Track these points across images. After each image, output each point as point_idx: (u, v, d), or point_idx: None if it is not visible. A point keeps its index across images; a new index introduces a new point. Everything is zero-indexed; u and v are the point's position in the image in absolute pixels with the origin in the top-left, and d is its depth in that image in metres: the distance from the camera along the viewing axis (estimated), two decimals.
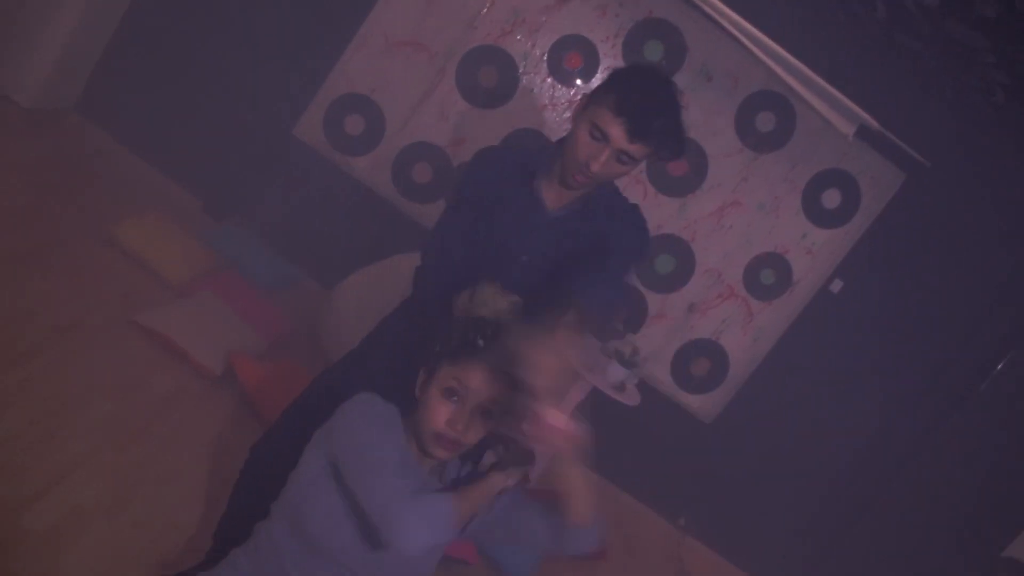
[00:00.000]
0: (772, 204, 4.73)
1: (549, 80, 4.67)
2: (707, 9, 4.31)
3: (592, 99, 2.14)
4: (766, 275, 4.81)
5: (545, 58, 4.64)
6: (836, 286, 4.77)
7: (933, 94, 4.39)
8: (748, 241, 4.78)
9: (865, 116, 4.37)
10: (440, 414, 1.81)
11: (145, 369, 3.33)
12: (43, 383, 2.91)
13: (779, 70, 4.37)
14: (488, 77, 4.71)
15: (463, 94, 4.74)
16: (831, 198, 4.72)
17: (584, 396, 4.19)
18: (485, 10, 4.61)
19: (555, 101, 4.70)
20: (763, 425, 4.89)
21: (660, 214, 4.76)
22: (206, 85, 4.73)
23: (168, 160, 4.84)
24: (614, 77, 2.18)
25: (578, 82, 4.67)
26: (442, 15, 4.63)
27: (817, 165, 4.69)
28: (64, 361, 3.08)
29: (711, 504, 4.99)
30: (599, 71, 4.65)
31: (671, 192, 4.75)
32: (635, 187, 4.73)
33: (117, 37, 4.75)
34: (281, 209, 4.80)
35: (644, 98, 2.07)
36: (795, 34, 4.37)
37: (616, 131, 2.06)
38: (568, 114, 4.66)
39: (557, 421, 1.72)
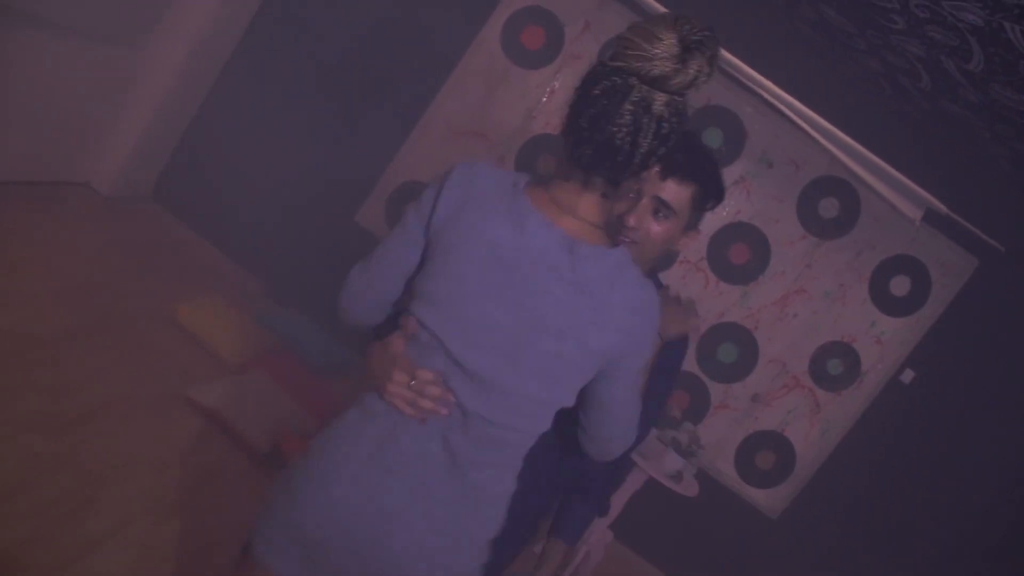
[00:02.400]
0: (838, 292, 4.60)
1: None
2: (765, 95, 4.29)
3: None
4: (833, 365, 4.64)
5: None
6: (907, 376, 4.57)
7: (987, 164, 4.27)
8: (814, 330, 4.64)
9: (932, 200, 4.24)
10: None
11: (192, 444, 3.35)
12: (90, 451, 2.94)
13: (841, 155, 4.29)
14: (547, 165, 4.76)
15: None
16: (900, 285, 4.57)
17: (639, 486, 4.07)
18: (544, 99, 4.68)
19: None
20: (832, 521, 4.65)
21: (722, 302, 4.67)
22: (273, 173, 4.90)
23: (234, 245, 4.99)
24: None
25: None
26: (503, 106, 4.72)
27: (884, 251, 4.57)
28: (113, 432, 3.12)
29: None
30: None
31: (733, 280, 4.67)
32: (696, 275, 4.67)
33: (191, 129, 4.97)
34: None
35: None
36: (852, 115, 4.30)
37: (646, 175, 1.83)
38: None
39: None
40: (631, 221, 1.86)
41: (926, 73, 3.53)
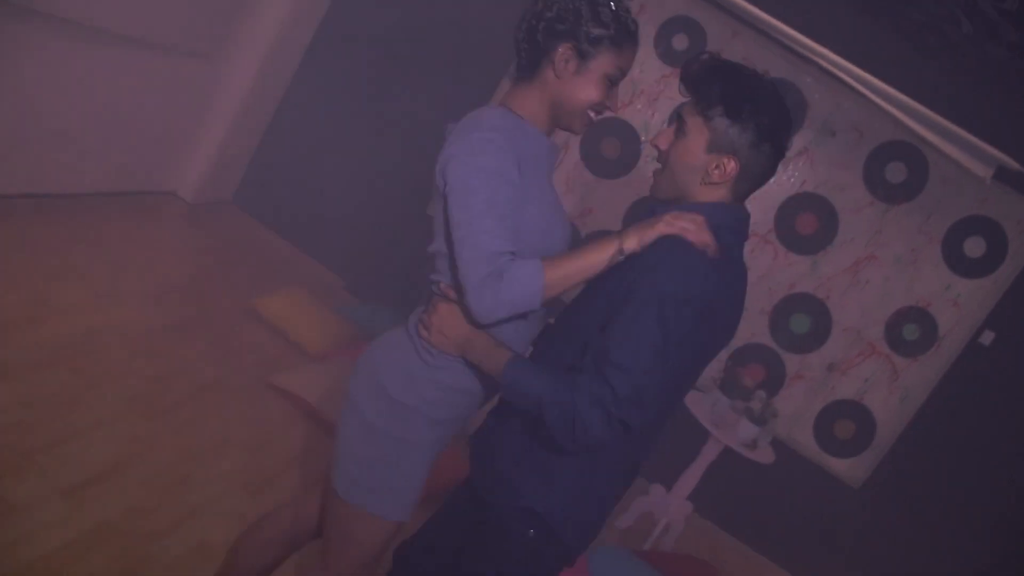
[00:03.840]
0: (910, 256, 4.56)
1: None
2: (823, 63, 4.28)
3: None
4: (909, 330, 4.60)
5: (665, 125, 4.72)
6: (987, 338, 4.50)
7: None
8: (887, 296, 4.61)
9: (1002, 156, 4.18)
10: (601, 95, 1.87)
11: (278, 427, 3.54)
12: (183, 434, 3.15)
13: (904, 117, 4.26)
14: (611, 148, 4.84)
15: (588, 166, 4.88)
16: (974, 246, 4.51)
17: (715, 457, 4.11)
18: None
19: None
20: (915, 489, 4.60)
21: (792, 273, 4.68)
22: (345, 171, 5.10)
23: (313, 243, 5.21)
24: None
25: None
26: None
27: (956, 213, 4.51)
28: (204, 415, 3.33)
29: (861, 574, 4.70)
30: None
31: (802, 250, 4.67)
32: (765, 247, 4.69)
33: (267, 135, 5.21)
34: (416, 287, 5.02)
35: None
36: (908, 75, 4.26)
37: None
38: None
39: None
40: (657, 140, 1.86)
41: (965, 17, 3.50)
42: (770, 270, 4.70)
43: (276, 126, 5.22)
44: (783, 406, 4.65)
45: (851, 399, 4.69)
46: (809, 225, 4.65)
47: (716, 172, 1.77)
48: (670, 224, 1.69)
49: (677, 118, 1.83)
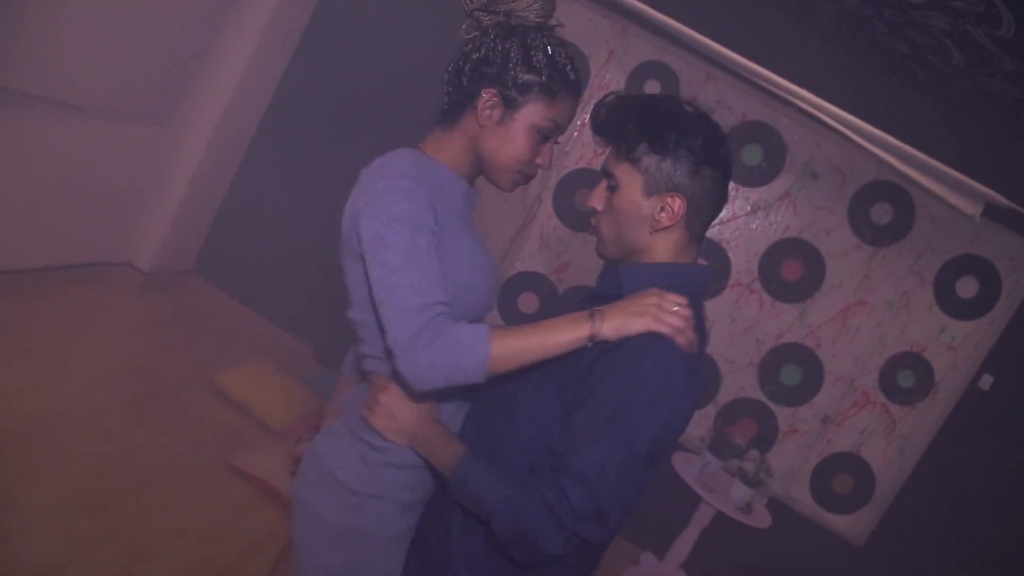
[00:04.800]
0: (901, 300, 4.38)
1: None
2: (801, 104, 4.14)
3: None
4: (905, 377, 4.40)
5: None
6: (986, 382, 4.30)
7: None
8: (880, 342, 4.42)
9: (990, 193, 4.02)
10: (529, 150, 1.68)
11: (237, 512, 3.28)
12: (132, 528, 2.88)
13: (888, 156, 4.10)
14: (584, 200, 4.67)
15: (562, 219, 4.70)
16: (967, 287, 4.33)
17: (708, 522, 3.87)
18: (576, 134, 4.60)
19: None
20: (920, 543, 4.36)
21: (780, 323, 4.49)
22: (313, 233, 4.88)
23: (280, 310, 4.98)
24: None
25: None
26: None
27: (946, 253, 4.34)
28: (156, 505, 3.07)
29: None
30: None
31: (788, 298, 4.48)
32: (750, 297, 4.50)
33: (227, 200, 5.01)
34: None
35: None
36: (891, 113, 4.13)
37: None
38: None
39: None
40: (591, 202, 1.67)
41: (955, 48, 3.35)
42: (756, 321, 4.51)
43: (236, 190, 5.02)
44: (777, 462, 4.43)
45: (848, 452, 4.47)
46: (795, 272, 4.47)
47: (664, 216, 1.58)
48: (658, 319, 1.47)
49: (604, 173, 1.64)
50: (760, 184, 4.48)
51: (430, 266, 1.51)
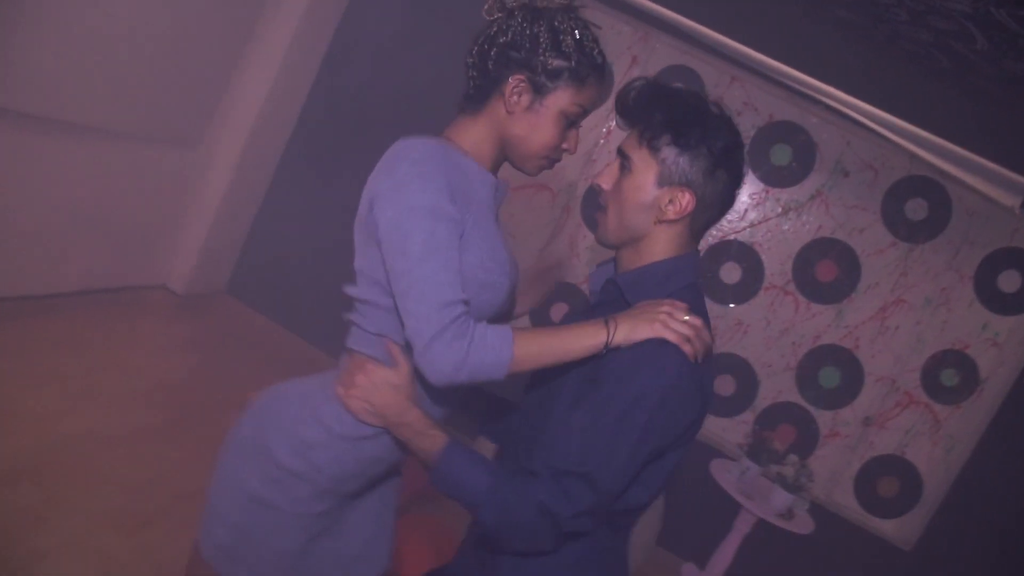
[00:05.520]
0: (940, 297, 4.28)
1: None
2: (828, 101, 4.08)
3: None
4: (948, 375, 4.29)
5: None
6: None
7: None
8: (920, 341, 4.32)
9: None
10: (556, 136, 1.66)
11: None
12: (165, 549, 2.88)
13: (920, 151, 4.04)
14: None
15: (591, 228, 4.66)
16: (1009, 280, 4.22)
17: (749, 530, 3.80)
18: (602, 141, 4.57)
19: None
20: (971, 546, 4.23)
21: (816, 324, 4.40)
22: (344, 251, 4.88)
23: (313, 327, 4.99)
24: None
25: None
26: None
27: (985, 247, 4.24)
28: (188, 526, 3.06)
29: None
30: None
31: (824, 299, 4.40)
32: (784, 300, 4.42)
33: (258, 220, 5.04)
34: None
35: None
36: (920, 106, 4.05)
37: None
38: None
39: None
40: (600, 179, 1.67)
41: (978, 31, 3.27)
42: (792, 323, 4.43)
43: (266, 209, 5.05)
44: (819, 467, 4.34)
45: (892, 454, 4.36)
46: (829, 272, 4.39)
47: (671, 208, 1.57)
48: (666, 326, 1.46)
49: (620, 154, 1.62)
50: (790, 184, 4.41)
51: (452, 259, 1.49)
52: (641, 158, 1.58)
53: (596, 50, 1.63)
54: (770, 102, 4.41)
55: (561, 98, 1.61)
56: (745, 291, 4.48)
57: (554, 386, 1.62)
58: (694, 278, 1.64)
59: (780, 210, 4.43)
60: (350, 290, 1.67)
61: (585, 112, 1.66)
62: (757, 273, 4.46)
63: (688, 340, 1.47)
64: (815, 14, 4.18)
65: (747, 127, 4.43)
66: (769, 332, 4.47)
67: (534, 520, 1.41)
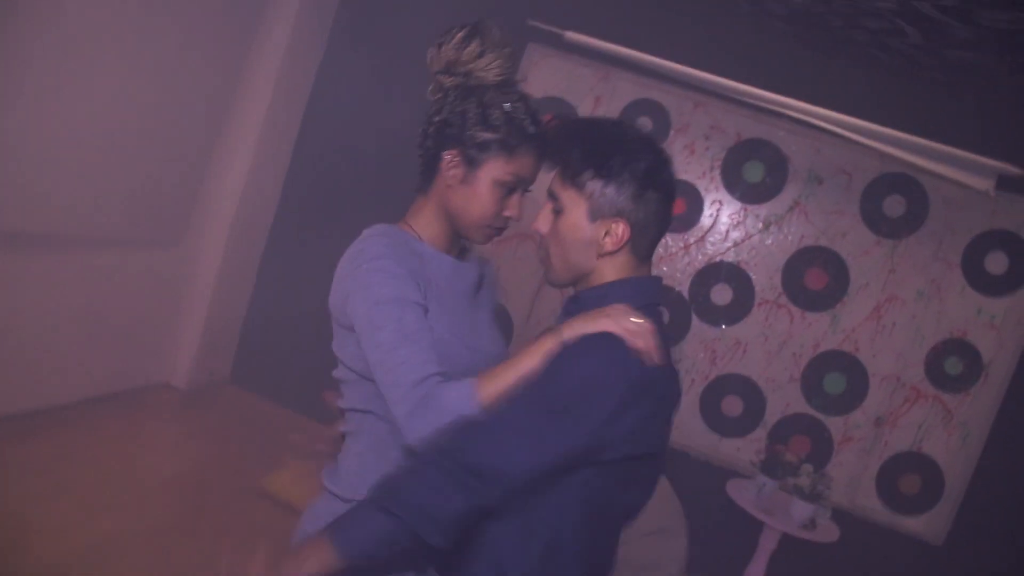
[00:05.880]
0: (931, 288, 4.31)
1: None
2: (792, 114, 4.14)
3: None
4: (951, 364, 4.30)
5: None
6: None
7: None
8: (918, 334, 4.33)
9: (999, 164, 3.97)
10: (494, 205, 1.72)
11: None
12: None
13: (888, 148, 4.08)
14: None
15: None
16: (996, 262, 4.26)
17: (775, 546, 3.78)
18: None
19: (669, 251, 4.57)
20: (1005, 530, 4.20)
21: (813, 333, 4.43)
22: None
23: (317, 406, 4.99)
24: None
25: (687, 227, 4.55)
26: (535, 205, 4.68)
27: (967, 233, 4.28)
28: None
29: None
30: (705, 207, 4.52)
31: (817, 307, 4.43)
32: (778, 313, 4.45)
33: (253, 305, 5.10)
34: None
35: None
36: (877, 104, 4.13)
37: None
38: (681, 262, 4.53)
39: None
40: (535, 225, 1.67)
41: (908, 25, 3.35)
42: (789, 335, 4.45)
43: (259, 292, 5.11)
44: (838, 473, 4.32)
45: (909, 451, 4.36)
46: (819, 280, 4.43)
47: (608, 240, 1.59)
48: (616, 323, 1.50)
49: (550, 196, 1.64)
50: (767, 199, 4.47)
51: (422, 340, 1.57)
52: (569, 197, 1.61)
53: (528, 120, 1.70)
54: (736, 122, 4.49)
55: (493, 168, 1.69)
56: (738, 310, 4.51)
57: None
58: (653, 300, 1.66)
59: (761, 226, 4.48)
60: (335, 374, 1.76)
61: (521, 180, 1.72)
62: (747, 291, 4.50)
63: (637, 336, 1.49)
64: (764, 31, 4.28)
65: (717, 149, 4.50)
66: (768, 347, 4.49)
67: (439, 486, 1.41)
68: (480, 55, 1.69)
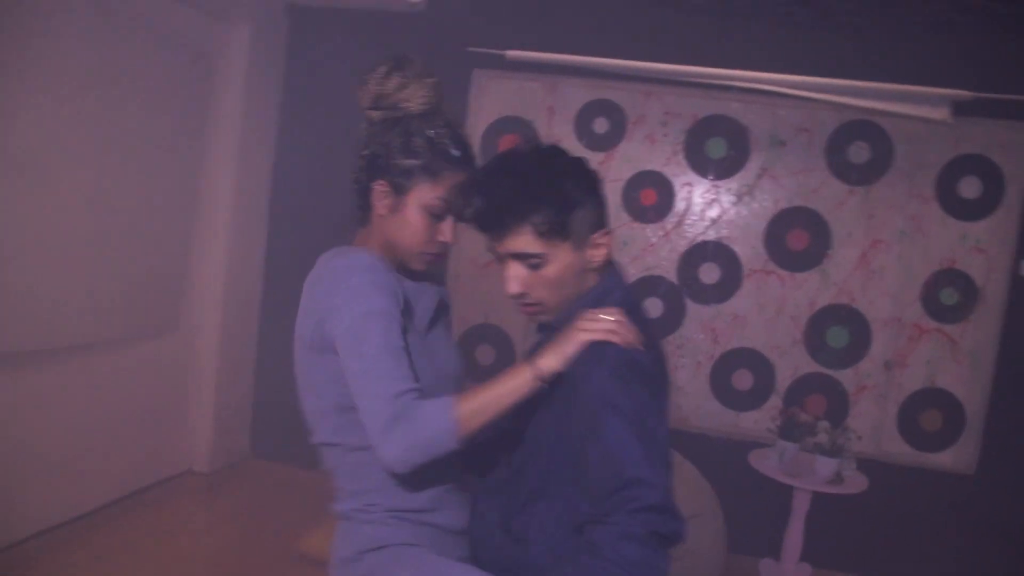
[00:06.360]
0: (912, 225, 4.35)
1: (636, 226, 4.62)
2: (743, 84, 4.19)
3: None
4: (947, 295, 4.33)
5: (621, 205, 4.62)
6: None
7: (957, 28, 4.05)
8: (908, 272, 4.36)
9: (951, 92, 4.01)
10: (424, 231, 1.74)
11: None
12: None
13: (840, 99, 4.13)
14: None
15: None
16: (970, 186, 4.29)
17: (808, 507, 3.79)
18: None
19: (650, 242, 4.62)
20: None
21: (806, 292, 4.46)
22: None
23: None
24: None
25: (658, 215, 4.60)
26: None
27: (935, 165, 4.33)
28: None
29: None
30: (677, 191, 4.57)
31: (805, 266, 4.46)
32: (768, 279, 4.49)
33: (259, 376, 5.16)
34: None
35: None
36: (819, 55, 4.19)
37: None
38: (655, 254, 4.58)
39: None
40: (513, 289, 1.66)
41: None
42: (784, 300, 4.49)
43: (264, 363, 5.16)
44: (859, 424, 4.34)
45: (924, 388, 4.38)
46: (801, 240, 4.46)
47: (598, 254, 1.66)
48: (590, 331, 1.57)
49: (519, 257, 1.62)
50: (735, 172, 4.52)
51: (404, 356, 1.61)
52: (550, 247, 1.60)
53: (451, 145, 1.73)
54: (689, 103, 4.55)
55: (420, 194, 1.72)
56: (730, 285, 4.54)
57: (530, 438, 1.70)
58: (622, 288, 1.72)
59: (735, 198, 4.53)
60: (305, 404, 1.78)
61: (447, 203, 1.74)
62: (734, 265, 4.53)
63: (612, 332, 1.55)
64: (692, 11, 4.35)
65: (676, 133, 4.56)
66: (766, 315, 4.52)
67: (635, 554, 1.41)
68: (403, 87, 1.73)
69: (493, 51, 4.44)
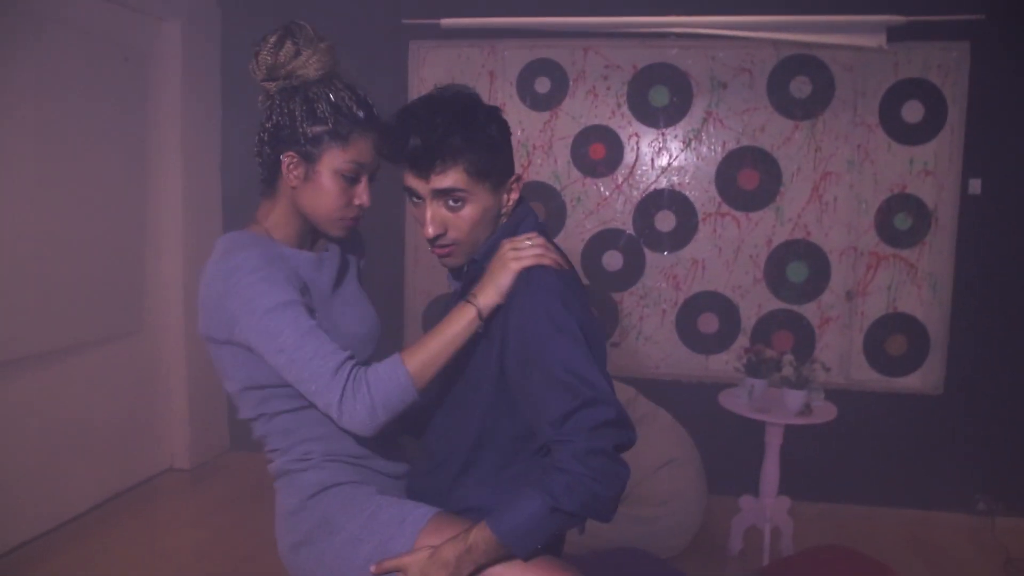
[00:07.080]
0: (860, 154, 4.37)
1: (588, 181, 4.63)
2: (679, 30, 4.18)
3: None
4: (900, 220, 4.36)
5: (571, 162, 4.62)
6: (975, 187, 4.26)
7: None
8: (861, 201, 4.39)
9: (883, 18, 4.01)
10: (340, 196, 1.74)
11: None
12: None
13: (775, 35, 4.13)
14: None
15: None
16: (912, 111, 4.32)
17: (781, 440, 3.83)
18: None
19: (603, 196, 4.62)
20: (999, 363, 4.29)
21: (762, 231, 4.49)
22: None
23: None
24: None
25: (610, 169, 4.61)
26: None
27: (876, 92, 4.34)
28: None
29: (1005, 472, 4.33)
30: (624, 143, 4.58)
31: (758, 205, 4.49)
32: (724, 221, 4.51)
33: None
34: None
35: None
36: None
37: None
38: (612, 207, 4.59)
39: None
40: (431, 231, 1.65)
41: None
42: (741, 240, 4.51)
43: None
44: (827, 355, 4.39)
45: (886, 314, 4.43)
46: (752, 179, 4.49)
47: (512, 197, 1.71)
48: (518, 260, 1.60)
49: (439, 194, 1.63)
50: (681, 118, 4.53)
51: (320, 333, 1.61)
52: (474, 186, 1.62)
53: (355, 107, 1.72)
54: (628, 55, 4.54)
55: (331, 160, 1.71)
56: (686, 231, 4.56)
57: (470, 375, 1.71)
58: (533, 215, 1.75)
59: (683, 145, 4.53)
60: (227, 387, 1.79)
61: (362, 166, 1.74)
62: (689, 210, 4.55)
63: (541, 256, 1.60)
64: None
65: (618, 86, 4.56)
66: (725, 257, 4.54)
67: (602, 466, 1.46)
68: (296, 54, 1.71)
69: (428, 21, 4.41)
